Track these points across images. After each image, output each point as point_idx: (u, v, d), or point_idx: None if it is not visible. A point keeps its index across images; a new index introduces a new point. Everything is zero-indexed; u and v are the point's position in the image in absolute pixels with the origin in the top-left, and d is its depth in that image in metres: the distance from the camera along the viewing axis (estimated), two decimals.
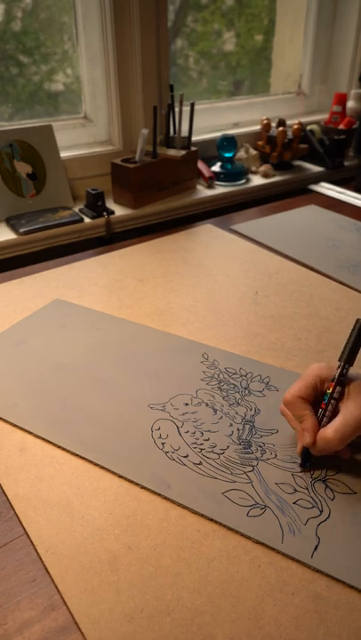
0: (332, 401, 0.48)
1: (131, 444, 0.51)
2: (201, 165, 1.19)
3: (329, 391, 0.49)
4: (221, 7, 1.31)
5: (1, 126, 1.01)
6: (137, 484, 0.47)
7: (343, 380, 0.49)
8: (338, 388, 0.48)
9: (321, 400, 0.50)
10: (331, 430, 0.46)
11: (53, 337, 0.68)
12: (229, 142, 1.21)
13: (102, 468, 0.49)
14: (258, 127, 1.35)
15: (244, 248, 0.95)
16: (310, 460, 0.49)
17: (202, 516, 0.44)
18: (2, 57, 1.01)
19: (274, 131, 1.29)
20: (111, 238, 1.04)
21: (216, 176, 1.21)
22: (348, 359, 0.49)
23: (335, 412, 0.48)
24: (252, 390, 0.59)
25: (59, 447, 0.51)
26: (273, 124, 1.33)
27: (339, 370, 0.49)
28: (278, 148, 1.27)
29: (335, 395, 0.48)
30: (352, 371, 0.50)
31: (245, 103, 1.40)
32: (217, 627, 0.37)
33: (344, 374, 0.49)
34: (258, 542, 0.42)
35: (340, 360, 0.49)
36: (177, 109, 1.10)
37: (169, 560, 0.41)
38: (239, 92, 1.45)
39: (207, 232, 1.02)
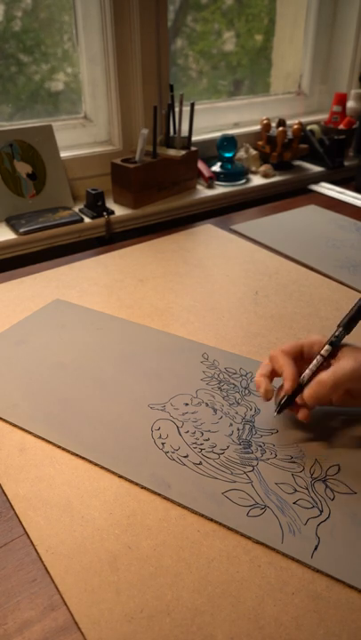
0: (318, 357, 0.51)
1: (131, 444, 0.51)
2: (201, 165, 1.19)
3: (322, 351, 0.51)
4: (221, 7, 1.31)
5: (1, 126, 1.01)
6: (137, 484, 0.47)
7: (336, 343, 0.51)
8: (327, 347, 0.51)
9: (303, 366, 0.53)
10: (326, 374, 0.48)
11: (53, 337, 0.68)
12: (229, 142, 1.21)
13: (102, 467, 0.49)
14: (258, 127, 1.35)
15: (244, 248, 0.95)
16: (285, 408, 0.52)
17: (202, 516, 0.44)
18: (2, 56, 1.01)
19: (274, 131, 1.29)
20: (111, 238, 1.04)
21: (216, 176, 1.21)
22: (346, 326, 0.51)
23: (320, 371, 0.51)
24: (252, 390, 0.59)
25: (59, 447, 0.51)
26: (273, 124, 1.33)
27: (334, 332, 0.51)
28: (278, 147, 1.27)
29: (323, 352, 0.51)
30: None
31: (245, 103, 1.40)
32: (217, 627, 0.37)
33: (338, 337, 0.51)
34: (258, 542, 0.42)
35: (338, 325, 0.52)
36: (177, 109, 1.10)
37: (169, 560, 0.41)
38: (239, 91, 1.45)
39: (207, 232, 1.02)
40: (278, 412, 0.53)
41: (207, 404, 0.57)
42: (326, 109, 1.52)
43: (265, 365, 0.54)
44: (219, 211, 1.18)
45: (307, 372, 0.51)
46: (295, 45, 1.46)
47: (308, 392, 0.49)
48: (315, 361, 0.51)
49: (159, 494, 0.46)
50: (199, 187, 1.19)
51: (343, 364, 0.49)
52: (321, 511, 0.45)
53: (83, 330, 0.70)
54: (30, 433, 0.53)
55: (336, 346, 0.51)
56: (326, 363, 0.51)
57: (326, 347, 0.51)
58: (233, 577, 0.40)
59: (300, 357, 0.53)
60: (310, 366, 0.51)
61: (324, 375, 0.49)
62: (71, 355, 0.65)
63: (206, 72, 1.36)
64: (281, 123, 1.32)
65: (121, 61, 1.05)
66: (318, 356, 0.51)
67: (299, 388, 0.51)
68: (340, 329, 0.51)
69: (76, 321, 0.72)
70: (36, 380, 0.60)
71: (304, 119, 1.44)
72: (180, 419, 0.55)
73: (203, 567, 0.41)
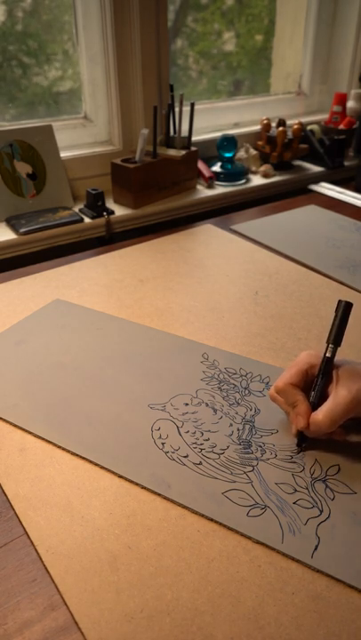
0: (320, 379, 0.50)
1: (131, 443, 0.51)
2: (201, 165, 1.19)
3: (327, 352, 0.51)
4: (221, 7, 1.31)
5: (1, 126, 1.01)
6: (137, 484, 0.47)
7: (331, 359, 0.51)
8: (324, 367, 0.51)
9: (311, 386, 0.52)
10: (321, 414, 0.48)
11: (53, 337, 0.68)
12: (229, 142, 1.21)
13: (102, 467, 0.49)
14: (258, 127, 1.35)
15: (244, 248, 0.95)
16: (306, 441, 0.51)
17: (202, 515, 0.44)
18: (4, 58, 1.01)
19: (274, 131, 1.29)
20: (111, 238, 1.04)
21: (216, 176, 1.21)
22: (334, 340, 0.51)
23: (324, 395, 0.50)
24: (252, 390, 0.59)
25: (59, 447, 0.51)
26: (273, 124, 1.33)
27: (325, 351, 0.51)
28: (278, 147, 1.27)
29: (323, 372, 0.50)
30: (344, 356, 0.52)
31: (245, 103, 1.40)
32: (217, 627, 0.37)
33: (331, 354, 0.51)
34: (258, 542, 0.42)
35: (327, 342, 0.51)
36: (177, 109, 1.10)
37: (169, 560, 0.41)
38: (239, 91, 1.45)
39: (207, 232, 1.02)
40: (300, 446, 0.51)
41: (207, 404, 0.57)
42: (326, 109, 1.52)
43: (278, 399, 0.53)
44: (219, 211, 1.18)
45: (313, 394, 0.51)
46: (295, 45, 1.46)
47: (309, 433, 0.50)
48: (319, 383, 0.51)
49: (159, 494, 0.46)
50: (199, 187, 1.19)
51: (338, 399, 0.48)
52: (321, 511, 0.45)
53: (83, 330, 0.70)
54: (30, 433, 0.53)
55: (331, 363, 0.51)
56: (328, 377, 0.51)
57: (325, 366, 0.51)
58: (233, 577, 0.40)
59: (304, 382, 0.52)
60: (316, 389, 0.51)
61: (320, 415, 0.48)
62: (71, 355, 0.65)
63: (206, 72, 1.36)
64: (281, 123, 1.32)
65: (121, 61, 1.05)
66: (320, 379, 0.51)
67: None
68: (331, 345, 0.51)
69: (76, 321, 0.72)
70: (36, 380, 0.60)
71: (304, 119, 1.44)
72: (180, 419, 0.55)
73: (203, 567, 0.41)
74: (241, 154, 1.29)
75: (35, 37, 1.04)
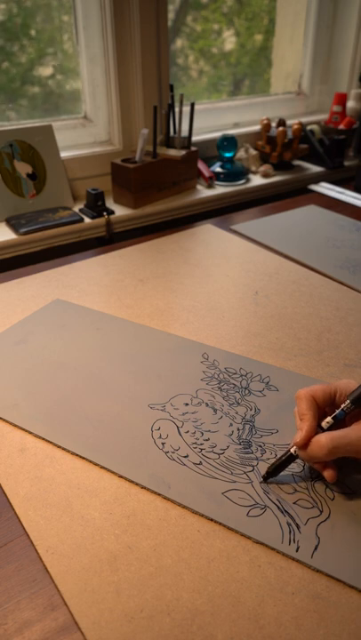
0: (338, 411, 0.47)
1: (131, 443, 0.51)
2: (201, 165, 1.19)
3: (343, 405, 0.47)
4: (221, 7, 1.31)
5: (1, 126, 1.01)
6: (137, 484, 0.47)
7: (339, 416, 0.47)
8: (348, 403, 0.47)
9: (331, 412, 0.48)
10: (325, 437, 0.44)
11: (53, 337, 0.68)
12: (229, 142, 1.21)
13: (102, 467, 0.49)
14: (258, 127, 1.35)
15: (244, 248, 0.95)
16: (272, 476, 0.47)
17: (202, 515, 0.44)
18: (4, 58, 1.01)
19: (274, 131, 1.29)
20: (111, 238, 1.04)
21: (216, 176, 1.21)
22: (354, 401, 0.47)
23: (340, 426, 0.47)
24: (252, 390, 0.59)
25: (59, 447, 0.51)
26: (273, 124, 1.33)
27: (345, 404, 0.47)
28: (278, 147, 1.27)
29: (345, 408, 0.47)
30: (344, 357, 0.50)
31: (245, 103, 1.40)
32: (217, 627, 0.37)
33: (344, 410, 0.47)
34: (258, 542, 0.42)
35: (348, 397, 0.47)
36: (177, 109, 1.10)
37: (169, 560, 0.41)
38: (239, 91, 1.45)
39: (207, 232, 1.02)
40: (264, 480, 0.48)
41: (207, 404, 0.57)
42: (326, 109, 1.52)
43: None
44: (219, 211, 1.18)
45: (328, 419, 0.47)
46: (295, 45, 1.46)
47: (305, 452, 0.46)
48: (332, 415, 0.47)
49: (159, 494, 0.46)
50: (199, 187, 1.19)
51: (349, 433, 0.44)
52: (321, 511, 0.45)
53: (83, 330, 0.70)
54: (30, 433, 0.53)
55: (340, 419, 0.47)
56: (349, 417, 0.47)
57: (348, 403, 0.47)
58: (233, 577, 0.40)
59: (331, 402, 0.48)
60: (328, 418, 0.47)
61: (323, 438, 0.44)
62: (71, 354, 0.65)
63: (206, 71, 1.36)
64: (281, 123, 1.32)
65: (121, 61, 1.05)
66: (339, 411, 0.47)
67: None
68: (352, 405, 0.47)
69: (76, 321, 0.72)
70: (36, 380, 0.60)
71: (304, 119, 1.44)
72: (180, 419, 0.55)
73: (203, 567, 0.41)
74: (241, 154, 1.29)
75: (35, 38, 1.04)
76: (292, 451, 0.47)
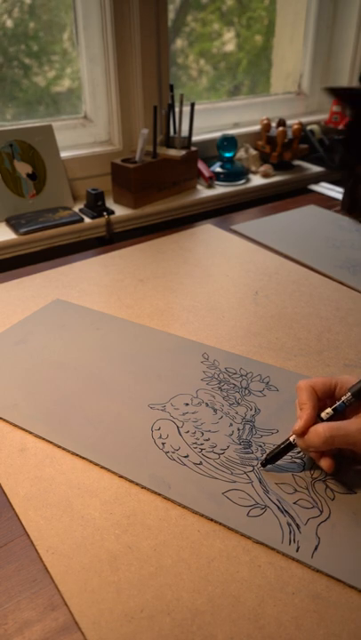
0: (339, 403, 0.47)
1: (131, 443, 0.51)
2: (201, 165, 1.19)
3: (343, 398, 0.47)
4: (221, 7, 1.31)
5: (1, 126, 1.01)
6: (137, 484, 0.47)
7: (340, 408, 0.47)
8: (349, 395, 0.47)
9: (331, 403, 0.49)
10: (323, 426, 0.45)
11: (53, 337, 0.68)
12: (229, 142, 1.21)
13: (102, 467, 0.49)
14: (258, 127, 1.35)
15: (244, 248, 0.95)
16: (271, 463, 0.49)
17: (202, 515, 0.44)
18: (5, 59, 1.01)
19: (274, 131, 1.29)
20: (111, 238, 1.04)
21: (216, 176, 1.21)
22: (355, 394, 0.47)
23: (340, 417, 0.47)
24: (253, 390, 0.59)
25: (59, 447, 0.51)
26: (273, 124, 1.33)
27: (346, 396, 0.47)
28: (278, 147, 1.27)
29: (346, 401, 0.47)
30: (344, 357, 0.50)
31: (245, 103, 1.40)
32: (217, 627, 0.37)
33: (344, 402, 0.47)
34: (258, 542, 0.42)
35: (349, 390, 0.48)
36: (177, 109, 1.10)
37: (169, 560, 0.41)
38: (239, 91, 1.45)
39: (207, 232, 1.02)
40: (263, 466, 0.49)
41: (207, 404, 0.57)
42: (326, 109, 1.52)
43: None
44: (219, 211, 1.18)
45: (328, 410, 0.48)
46: (295, 45, 1.46)
47: (302, 440, 0.46)
48: (332, 406, 0.48)
49: (159, 494, 0.46)
50: (199, 187, 1.19)
51: (347, 425, 0.45)
52: (321, 511, 0.45)
53: (83, 330, 0.70)
54: (30, 433, 0.53)
55: (340, 411, 0.47)
56: (349, 410, 0.48)
57: (349, 395, 0.47)
58: (233, 577, 0.40)
59: (331, 395, 0.49)
60: (327, 409, 0.48)
61: (321, 427, 0.45)
62: (71, 354, 0.65)
63: (207, 71, 1.36)
64: (281, 123, 1.32)
65: (121, 61, 1.05)
66: (339, 403, 0.47)
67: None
68: (352, 398, 0.47)
69: (75, 321, 0.72)
70: (36, 380, 0.60)
71: (304, 119, 1.44)
72: (181, 419, 0.55)
73: (203, 567, 0.41)
74: (241, 154, 1.29)
75: (35, 37, 1.04)
76: (291, 439, 0.48)
